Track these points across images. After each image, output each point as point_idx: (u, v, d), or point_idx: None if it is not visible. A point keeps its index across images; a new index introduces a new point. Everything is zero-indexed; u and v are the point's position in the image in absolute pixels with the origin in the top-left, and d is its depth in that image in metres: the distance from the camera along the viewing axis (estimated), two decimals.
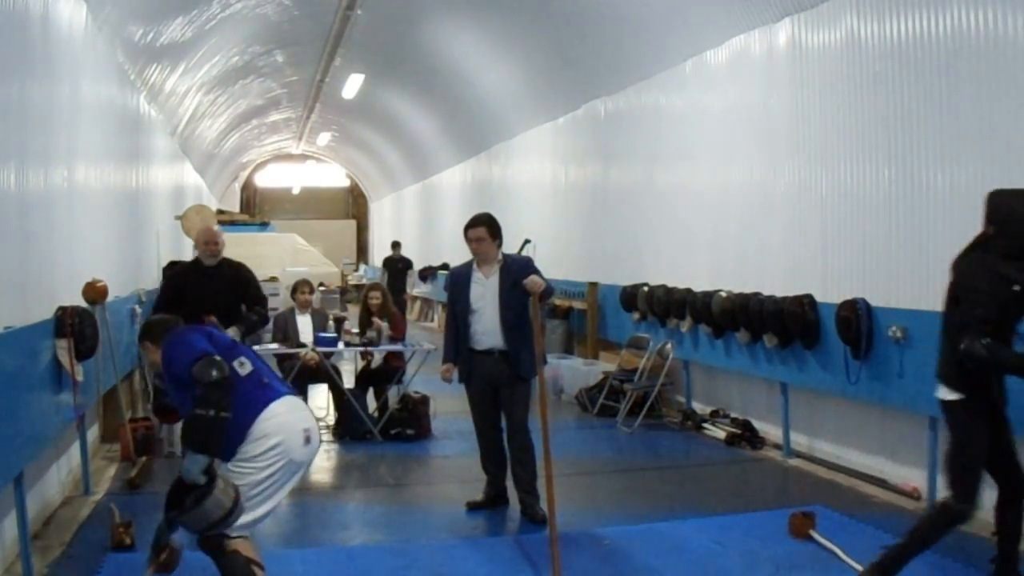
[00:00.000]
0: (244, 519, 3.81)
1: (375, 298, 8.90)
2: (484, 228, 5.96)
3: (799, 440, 7.61)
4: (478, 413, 6.11)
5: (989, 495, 5.68)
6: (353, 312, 12.75)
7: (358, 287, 22.88)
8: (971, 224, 5.68)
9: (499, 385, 5.94)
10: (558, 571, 4.72)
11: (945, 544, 5.20)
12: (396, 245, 18.60)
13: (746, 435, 8.08)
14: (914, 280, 6.15)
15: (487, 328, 5.91)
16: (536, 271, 5.82)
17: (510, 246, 6.49)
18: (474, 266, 6.05)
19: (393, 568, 5.00)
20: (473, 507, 6.14)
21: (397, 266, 17.84)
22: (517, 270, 5.85)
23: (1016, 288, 4.04)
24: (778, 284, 7.57)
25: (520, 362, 5.83)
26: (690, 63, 9.18)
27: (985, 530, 5.46)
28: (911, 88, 6.16)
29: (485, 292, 5.94)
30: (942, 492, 5.90)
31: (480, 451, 6.21)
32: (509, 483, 6.10)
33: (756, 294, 7.77)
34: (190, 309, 6.07)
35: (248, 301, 6.98)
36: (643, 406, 8.98)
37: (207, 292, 6.74)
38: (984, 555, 4.65)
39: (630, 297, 9.96)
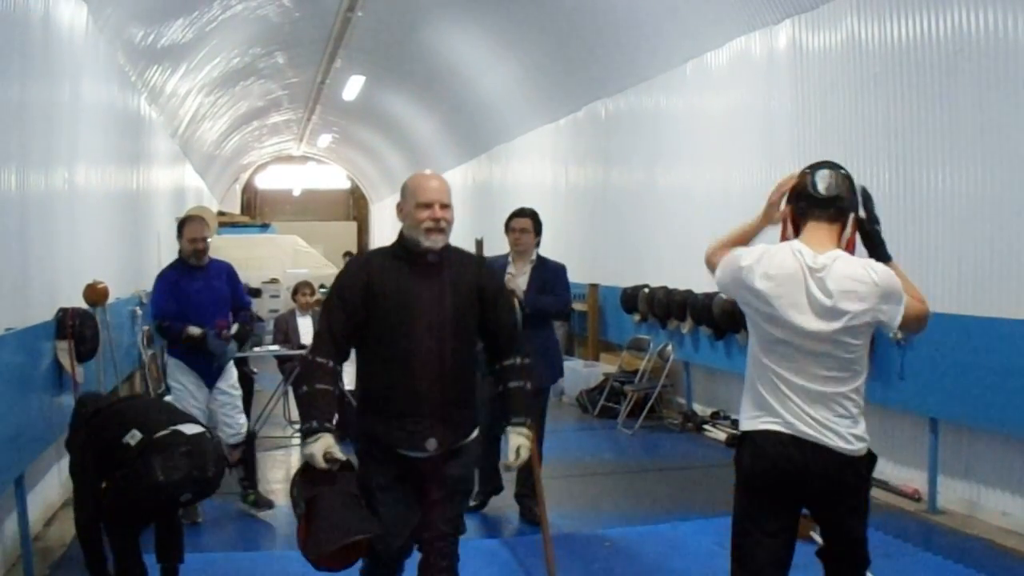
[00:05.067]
0: None
1: None
2: (530, 220, 5.85)
3: None
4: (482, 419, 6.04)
5: (990, 496, 5.70)
6: None
7: None
8: (971, 225, 5.71)
9: None
10: (552, 573, 4.70)
11: (948, 547, 5.23)
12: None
13: None
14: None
15: None
16: (565, 280, 5.70)
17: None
18: (510, 260, 5.87)
19: None
20: (470, 509, 6.11)
21: None
22: (551, 277, 5.72)
23: None
24: None
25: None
26: (690, 65, 9.17)
27: (988, 534, 5.47)
28: (912, 90, 6.15)
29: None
30: (942, 494, 5.92)
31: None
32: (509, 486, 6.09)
33: None
34: None
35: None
36: (644, 408, 8.96)
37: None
38: (987, 558, 4.65)
39: (631, 299, 9.95)
